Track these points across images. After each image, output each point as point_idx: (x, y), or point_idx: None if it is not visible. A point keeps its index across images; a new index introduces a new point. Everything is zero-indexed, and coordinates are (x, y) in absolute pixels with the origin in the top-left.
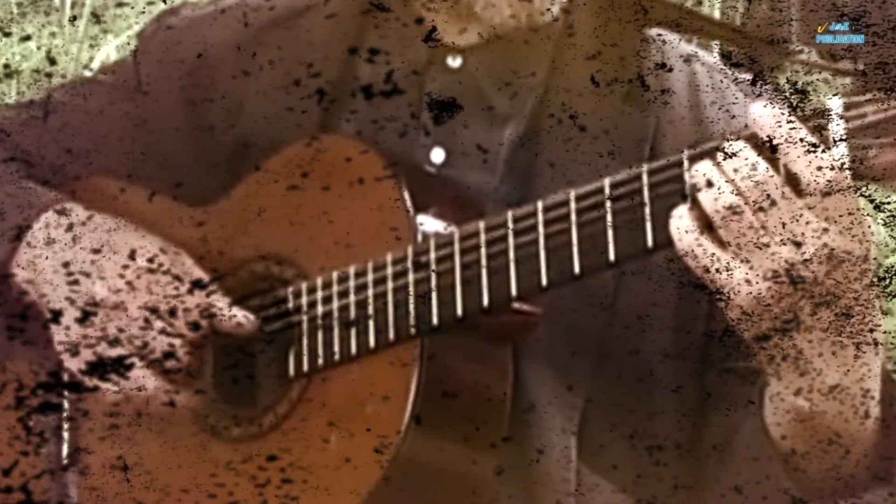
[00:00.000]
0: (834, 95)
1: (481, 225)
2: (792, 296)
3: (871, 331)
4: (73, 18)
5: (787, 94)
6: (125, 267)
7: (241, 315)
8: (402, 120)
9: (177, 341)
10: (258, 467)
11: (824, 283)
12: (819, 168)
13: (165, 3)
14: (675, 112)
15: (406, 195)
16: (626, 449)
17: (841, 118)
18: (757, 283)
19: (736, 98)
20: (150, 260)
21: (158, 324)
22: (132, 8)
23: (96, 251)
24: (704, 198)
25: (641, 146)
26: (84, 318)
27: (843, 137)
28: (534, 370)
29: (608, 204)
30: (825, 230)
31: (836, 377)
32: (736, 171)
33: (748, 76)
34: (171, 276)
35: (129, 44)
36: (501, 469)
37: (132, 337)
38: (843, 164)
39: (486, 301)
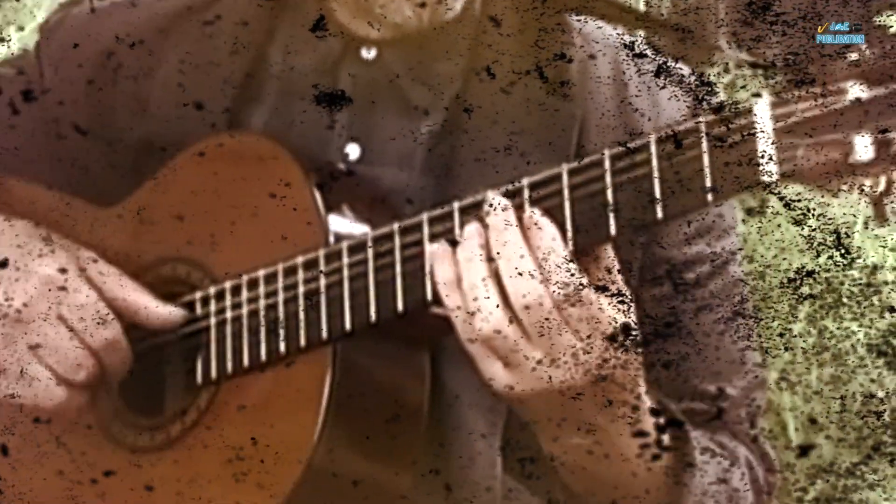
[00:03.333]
0: (760, 91)
1: (396, 226)
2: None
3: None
4: None
5: (693, 86)
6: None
7: (166, 308)
8: (313, 116)
9: (83, 350)
10: (166, 477)
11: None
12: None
13: None
14: (601, 105)
15: (317, 194)
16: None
17: (768, 116)
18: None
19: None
20: (61, 270)
21: (62, 330)
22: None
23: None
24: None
25: (567, 141)
26: None
27: (770, 136)
28: (454, 375)
29: (527, 204)
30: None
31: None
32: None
33: (651, 68)
34: (78, 277)
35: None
36: (421, 477)
37: (36, 346)
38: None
39: (400, 305)
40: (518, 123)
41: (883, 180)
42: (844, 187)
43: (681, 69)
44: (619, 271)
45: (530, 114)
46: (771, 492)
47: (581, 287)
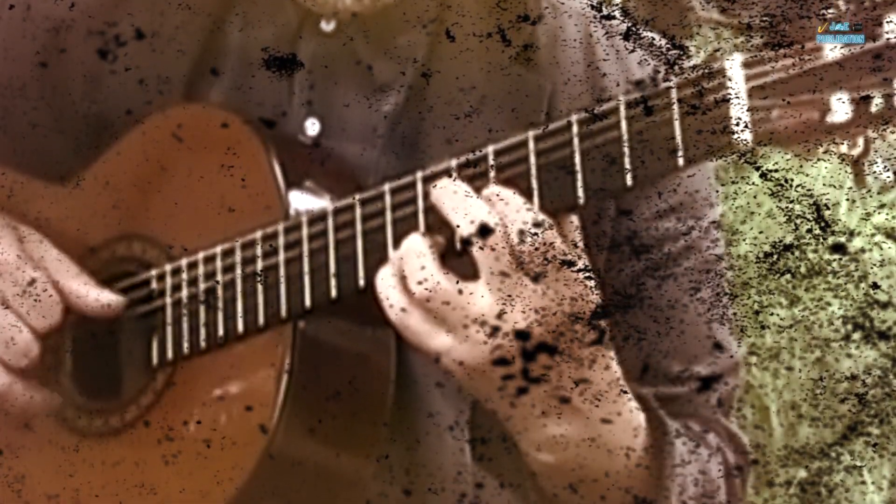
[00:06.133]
0: (733, 52)
1: (356, 198)
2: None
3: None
4: None
5: (664, 50)
6: None
7: (107, 296)
8: (272, 88)
9: (29, 334)
10: (120, 463)
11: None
12: None
13: None
14: (569, 70)
15: (277, 168)
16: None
17: (741, 76)
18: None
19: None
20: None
21: (9, 315)
22: None
23: None
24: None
25: (537, 110)
26: None
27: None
28: (421, 358)
29: (492, 174)
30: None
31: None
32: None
33: (620, 30)
34: (23, 260)
35: None
36: (386, 456)
37: None
38: None
39: (361, 280)
40: (484, 90)
41: (861, 141)
42: (821, 149)
43: (651, 32)
44: (585, 245)
45: (496, 80)
46: (744, 476)
47: (544, 224)
